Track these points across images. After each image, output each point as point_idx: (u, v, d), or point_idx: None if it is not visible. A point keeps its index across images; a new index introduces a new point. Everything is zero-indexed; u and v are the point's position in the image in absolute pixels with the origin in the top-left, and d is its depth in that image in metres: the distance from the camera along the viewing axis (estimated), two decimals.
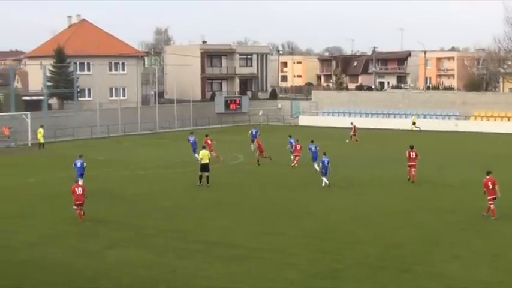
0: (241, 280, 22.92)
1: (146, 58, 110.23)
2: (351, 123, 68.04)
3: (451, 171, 46.64)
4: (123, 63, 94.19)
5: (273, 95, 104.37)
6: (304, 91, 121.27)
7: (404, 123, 79.61)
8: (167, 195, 38.67)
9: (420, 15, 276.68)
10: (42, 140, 62.23)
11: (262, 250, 26.52)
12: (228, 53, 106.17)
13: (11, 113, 69.66)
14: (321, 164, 40.85)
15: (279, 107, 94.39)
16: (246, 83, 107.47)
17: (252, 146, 56.20)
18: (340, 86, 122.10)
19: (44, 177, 44.69)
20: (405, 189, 39.90)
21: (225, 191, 39.72)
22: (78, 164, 39.88)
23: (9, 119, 68.49)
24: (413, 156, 42.16)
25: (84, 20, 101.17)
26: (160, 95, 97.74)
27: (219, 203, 36.19)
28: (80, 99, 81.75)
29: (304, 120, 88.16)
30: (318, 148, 46.28)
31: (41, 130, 62.35)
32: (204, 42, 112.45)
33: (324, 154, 41.29)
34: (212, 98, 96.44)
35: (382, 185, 41.41)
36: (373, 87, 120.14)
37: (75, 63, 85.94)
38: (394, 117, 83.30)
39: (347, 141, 63.95)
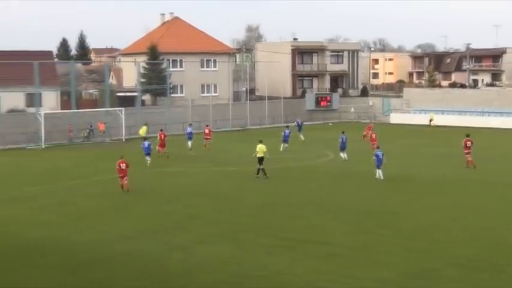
0: (331, 278, 22.74)
1: (237, 55, 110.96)
2: (370, 122, 70.48)
3: None
4: (214, 60, 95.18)
5: (364, 92, 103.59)
6: (395, 88, 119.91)
7: (500, 122, 77.86)
8: (257, 192, 38.76)
9: None
10: (143, 135, 63.70)
11: (353, 248, 26.29)
12: (319, 50, 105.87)
13: (106, 108, 71.22)
14: (375, 157, 42.07)
15: (370, 104, 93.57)
16: (336, 80, 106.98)
17: (282, 145, 56.76)
18: (432, 84, 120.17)
19: (136, 173, 45.44)
20: (498, 189, 38.88)
21: (315, 189, 39.59)
22: (146, 145, 48.86)
23: (104, 115, 70.08)
24: (469, 144, 46.02)
25: (177, 17, 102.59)
26: (251, 91, 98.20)
27: (308, 200, 36.06)
28: (172, 95, 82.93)
29: (395, 118, 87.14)
30: (347, 139, 50.55)
31: (144, 128, 63.43)
32: (294, 39, 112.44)
33: (378, 147, 43.27)
34: (303, 95, 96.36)
35: (474, 184, 40.51)
36: (466, 84, 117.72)
37: (168, 60, 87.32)
38: (489, 115, 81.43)
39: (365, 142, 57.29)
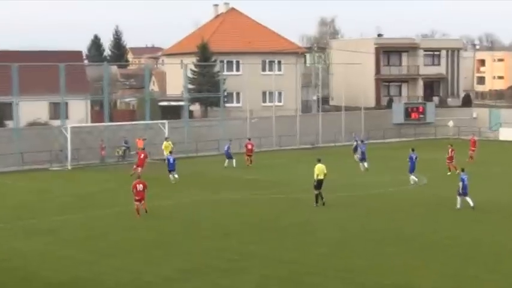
0: None
1: (308, 55, 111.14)
2: (473, 135, 70.13)
3: None
4: (279, 62, 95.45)
5: (467, 102, 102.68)
6: (506, 96, 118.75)
7: None
8: (332, 225, 38.71)
9: None
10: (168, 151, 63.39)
11: None
12: (410, 48, 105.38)
13: (146, 121, 71.78)
14: (460, 183, 42.05)
15: (474, 116, 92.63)
16: (431, 86, 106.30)
17: (355, 156, 62.14)
18: None
19: (180, 199, 45.91)
20: None
21: (405, 221, 39.38)
22: (171, 160, 54.21)
23: (144, 129, 70.56)
24: None
25: (232, 8, 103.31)
26: (325, 100, 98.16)
27: (397, 236, 35.89)
28: (226, 105, 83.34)
29: (506, 134, 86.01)
30: (417, 158, 51.63)
31: (165, 143, 63.09)
32: (379, 35, 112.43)
33: (462, 170, 43.03)
34: (389, 105, 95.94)
35: None
36: None
37: (222, 61, 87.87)
38: None
39: None
